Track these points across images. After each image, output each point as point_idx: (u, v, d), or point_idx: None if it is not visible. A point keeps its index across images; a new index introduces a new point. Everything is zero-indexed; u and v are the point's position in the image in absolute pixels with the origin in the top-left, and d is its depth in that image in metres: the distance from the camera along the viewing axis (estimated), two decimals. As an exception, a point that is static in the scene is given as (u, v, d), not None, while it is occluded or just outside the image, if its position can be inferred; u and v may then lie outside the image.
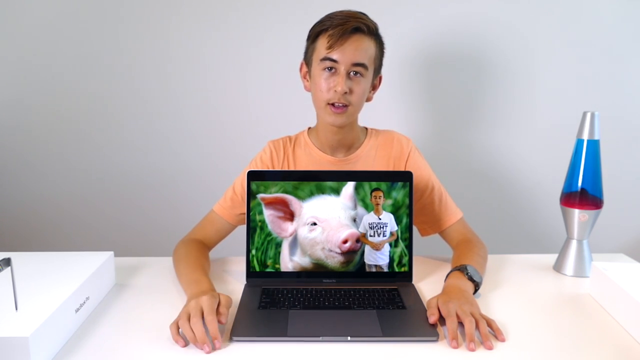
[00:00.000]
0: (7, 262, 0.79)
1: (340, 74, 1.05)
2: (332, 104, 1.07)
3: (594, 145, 1.07)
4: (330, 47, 1.04)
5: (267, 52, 1.53)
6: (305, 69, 1.14)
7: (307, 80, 1.14)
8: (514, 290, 1.03)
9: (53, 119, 1.59)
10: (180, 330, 0.83)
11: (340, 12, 1.07)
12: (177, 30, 1.52)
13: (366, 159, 1.16)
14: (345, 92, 1.05)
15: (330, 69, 1.06)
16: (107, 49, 1.54)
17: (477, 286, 0.98)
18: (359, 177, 1.03)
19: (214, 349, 0.80)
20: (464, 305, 0.88)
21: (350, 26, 1.04)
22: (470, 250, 1.09)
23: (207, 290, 0.92)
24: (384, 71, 1.16)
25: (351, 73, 1.06)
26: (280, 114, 1.56)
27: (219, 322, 0.83)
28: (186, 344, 0.81)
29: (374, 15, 1.11)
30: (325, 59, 1.06)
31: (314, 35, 1.09)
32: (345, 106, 1.07)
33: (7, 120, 1.59)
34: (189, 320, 0.82)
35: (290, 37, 1.50)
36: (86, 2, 1.51)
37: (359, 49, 1.05)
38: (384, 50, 1.13)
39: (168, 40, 1.53)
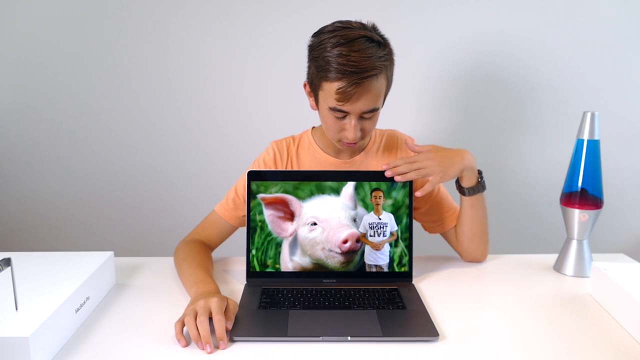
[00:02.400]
0: (7, 262, 0.79)
1: (352, 122, 1.01)
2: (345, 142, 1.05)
3: (594, 145, 1.07)
4: (341, 101, 0.98)
5: (268, 51, 1.53)
6: (309, 89, 1.08)
7: (312, 99, 1.08)
8: (514, 290, 1.03)
9: (53, 119, 1.59)
10: (184, 329, 0.82)
11: (349, 51, 0.94)
12: (178, 31, 1.52)
13: (371, 160, 1.16)
14: (359, 136, 1.03)
15: (340, 113, 1.01)
16: (106, 49, 1.54)
17: (479, 184, 1.06)
18: (359, 177, 1.03)
19: (217, 349, 0.80)
20: (437, 172, 0.98)
21: (364, 78, 0.95)
22: None
23: (213, 291, 0.92)
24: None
25: (362, 115, 1.02)
26: (282, 114, 1.56)
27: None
28: (188, 344, 0.81)
29: (386, 24, 1.06)
30: (334, 109, 1.00)
31: (319, 75, 0.99)
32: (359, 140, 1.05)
33: (7, 120, 1.59)
34: (195, 318, 0.82)
35: (292, 37, 1.50)
36: (85, 2, 1.51)
37: (371, 97, 0.99)
38: (394, 64, 1.05)
39: (168, 40, 1.53)
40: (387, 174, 1.01)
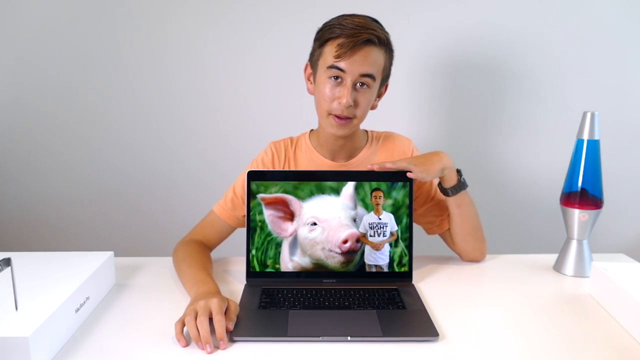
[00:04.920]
0: (7, 262, 0.79)
1: (346, 85, 1.03)
2: (336, 115, 1.06)
3: (594, 145, 1.07)
4: (338, 57, 1.01)
5: (267, 51, 1.53)
6: (310, 70, 1.12)
7: (311, 84, 1.12)
8: (514, 290, 1.03)
9: (53, 119, 1.59)
10: (184, 329, 0.82)
11: (352, 18, 1.03)
12: (178, 30, 1.52)
13: (367, 163, 1.15)
14: (350, 105, 1.04)
15: (337, 77, 1.04)
16: (106, 49, 1.54)
17: (460, 182, 1.08)
18: (359, 177, 1.03)
19: (217, 349, 0.80)
20: (418, 167, 1.01)
21: (362, 38, 1.00)
22: None
23: (214, 291, 0.92)
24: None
25: (357, 84, 1.04)
26: (281, 114, 1.56)
27: (226, 327, 0.83)
28: (187, 344, 0.81)
29: (387, 21, 1.09)
30: (332, 67, 1.03)
31: (322, 40, 1.05)
32: (349, 118, 1.06)
33: (7, 121, 1.59)
34: (195, 318, 0.82)
35: (291, 37, 1.50)
36: (84, 3, 1.51)
37: (368, 60, 1.02)
38: (393, 60, 1.11)
39: (168, 40, 1.53)
40: (374, 168, 1.02)
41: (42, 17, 1.52)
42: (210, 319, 0.83)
